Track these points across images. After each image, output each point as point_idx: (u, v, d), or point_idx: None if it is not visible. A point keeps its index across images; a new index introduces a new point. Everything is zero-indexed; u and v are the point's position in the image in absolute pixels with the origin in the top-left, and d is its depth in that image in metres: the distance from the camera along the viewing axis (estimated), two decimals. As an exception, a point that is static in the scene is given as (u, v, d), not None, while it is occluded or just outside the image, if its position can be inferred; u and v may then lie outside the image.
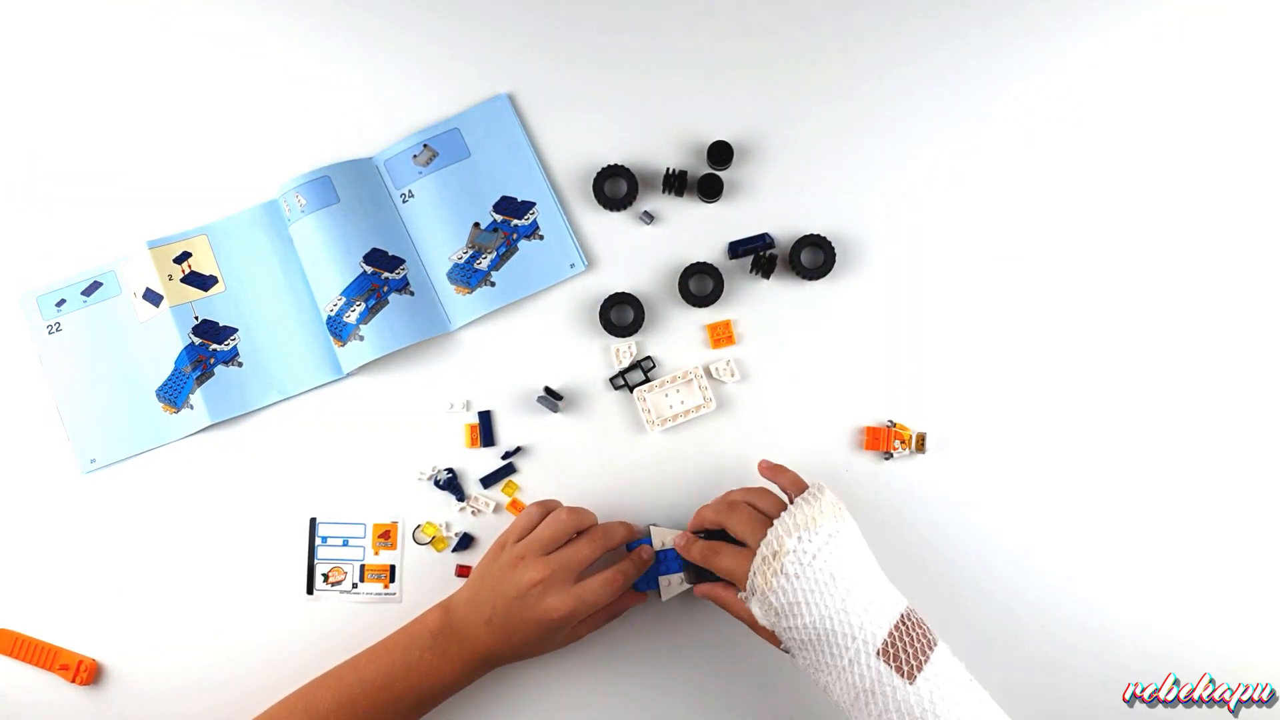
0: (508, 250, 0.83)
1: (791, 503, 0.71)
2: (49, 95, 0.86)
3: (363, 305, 0.81)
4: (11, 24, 0.87)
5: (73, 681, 0.79)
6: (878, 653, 0.64)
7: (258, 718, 0.74)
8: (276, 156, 0.85)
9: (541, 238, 0.83)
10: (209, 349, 0.83)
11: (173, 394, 0.82)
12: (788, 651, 0.69)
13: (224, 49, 0.86)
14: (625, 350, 0.82)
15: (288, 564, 0.82)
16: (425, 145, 0.85)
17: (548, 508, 0.77)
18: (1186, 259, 0.83)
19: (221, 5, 0.86)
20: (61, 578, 0.81)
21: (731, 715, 0.79)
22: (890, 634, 0.65)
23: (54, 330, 0.84)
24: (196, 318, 0.83)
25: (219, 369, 0.82)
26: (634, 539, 0.78)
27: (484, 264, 0.83)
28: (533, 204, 0.84)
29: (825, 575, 0.67)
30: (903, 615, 0.67)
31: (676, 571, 0.78)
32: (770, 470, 0.76)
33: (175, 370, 0.82)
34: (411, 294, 0.83)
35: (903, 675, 0.64)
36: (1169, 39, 0.84)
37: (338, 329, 0.82)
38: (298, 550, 0.82)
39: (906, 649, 0.65)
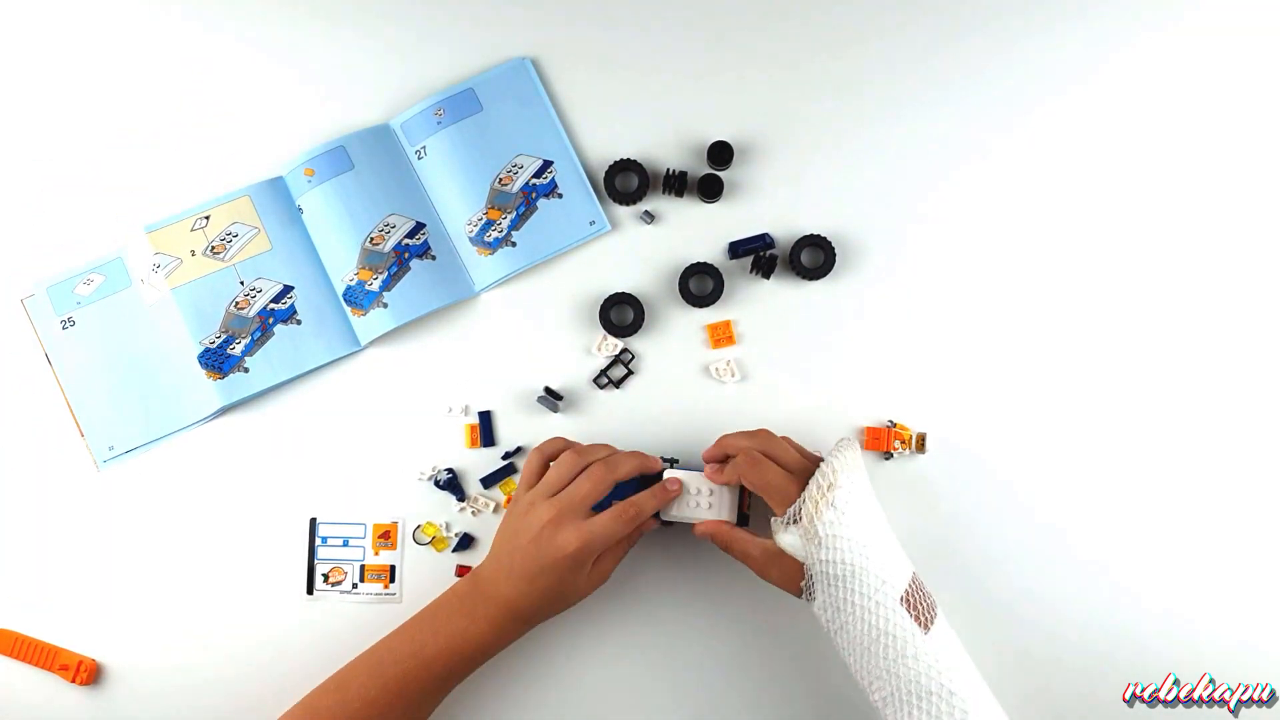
0: (527, 209, 0.83)
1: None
2: (47, 82, 0.86)
3: (385, 273, 0.81)
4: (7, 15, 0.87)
5: (73, 681, 0.79)
6: (900, 598, 0.67)
7: (301, 701, 0.74)
8: (287, 133, 0.85)
9: (560, 196, 0.83)
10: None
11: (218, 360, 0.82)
12: (805, 592, 0.70)
13: (224, 34, 0.86)
14: (607, 345, 0.82)
15: (288, 564, 0.82)
16: (440, 108, 0.84)
17: (546, 453, 0.77)
18: (1185, 257, 0.83)
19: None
20: (61, 577, 0.81)
21: (746, 669, 0.80)
22: (909, 585, 0.69)
23: (67, 325, 0.83)
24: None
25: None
26: (648, 470, 0.76)
27: (503, 225, 0.82)
28: (550, 162, 0.84)
29: (865, 515, 0.70)
30: (913, 574, 0.70)
31: None
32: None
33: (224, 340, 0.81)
34: (434, 259, 0.83)
35: (920, 624, 0.67)
36: (1173, 43, 0.84)
37: (357, 298, 0.82)
38: (298, 550, 0.82)
39: (921, 602, 0.68)
